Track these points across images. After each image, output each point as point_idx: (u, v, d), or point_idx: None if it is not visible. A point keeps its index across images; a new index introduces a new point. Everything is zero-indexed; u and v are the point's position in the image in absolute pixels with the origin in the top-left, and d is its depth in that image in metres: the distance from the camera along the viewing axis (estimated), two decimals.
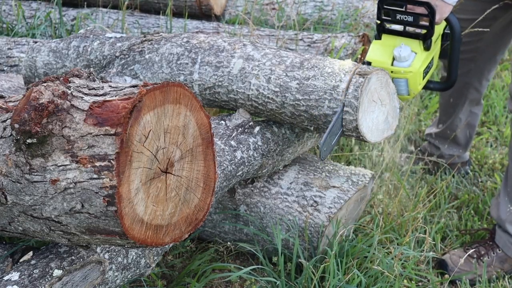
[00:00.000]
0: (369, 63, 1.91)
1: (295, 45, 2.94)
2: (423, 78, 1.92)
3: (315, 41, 2.99)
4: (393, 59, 1.88)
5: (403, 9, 1.84)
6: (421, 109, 3.18)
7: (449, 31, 1.94)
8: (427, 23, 1.84)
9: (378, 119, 1.81)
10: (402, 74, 1.87)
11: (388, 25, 1.91)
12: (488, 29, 2.21)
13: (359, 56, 2.88)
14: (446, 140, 2.65)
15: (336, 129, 1.79)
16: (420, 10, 1.82)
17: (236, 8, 3.59)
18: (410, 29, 1.88)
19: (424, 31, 1.86)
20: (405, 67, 1.87)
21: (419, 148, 2.80)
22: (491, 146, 3.01)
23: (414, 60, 1.87)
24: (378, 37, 1.94)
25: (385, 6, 1.86)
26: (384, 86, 1.81)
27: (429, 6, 1.78)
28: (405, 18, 1.85)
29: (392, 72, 1.87)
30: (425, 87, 1.99)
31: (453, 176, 2.65)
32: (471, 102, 2.53)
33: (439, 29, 1.91)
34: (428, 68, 1.93)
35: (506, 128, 3.11)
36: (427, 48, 1.88)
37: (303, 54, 1.87)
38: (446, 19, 1.88)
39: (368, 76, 1.73)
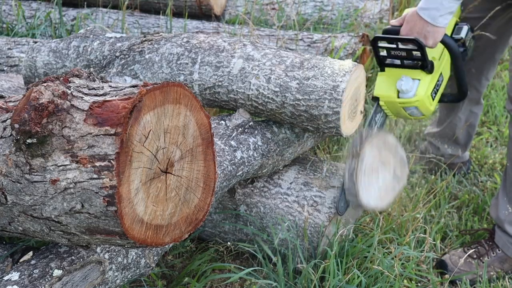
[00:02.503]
0: (377, 98, 1.99)
1: (295, 45, 2.94)
2: (434, 98, 2.00)
3: (315, 41, 2.99)
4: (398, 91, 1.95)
5: (395, 46, 1.93)
6: None
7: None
8: (419, 55, 1.92)
9: (385, 181, 1.86)
10: (409, 104, 1.96)
11: (387, 60, 1.99)
12: (495, 37, 2.24)
13: (359, 55, 2.88)
14: (446, 140, 2.65)
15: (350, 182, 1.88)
16: (411, 44, 1.90)
17: (236, 8, 3.59)
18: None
19: (420, 63, 1.94)
20: (410, 97, 1.95)
21: (419, 148, 2.79)
22: (491, 146, 3.01)
23: (418, 88, 1.95)
24: (382, 69, 2.02)
25: (378, 45, 1.96)
26: (383, 145, 1.86)
27: (416, 41, 1.86)
28: (399, 53, 1.95)
29: (400, 103, 1.95)
30: (440, 101, 2.07)
31: (453, 176, 2.65)
32: (470, 101, 2.53)
33: (439, 45, 1.97)
34: (437, 86, 1.99)
35: (506, 128, 3.11)
36: (430, 71, 1.93)
37: (303, 54, 1.87)
38: (442, 41, 1.93)
39: (360, 158, 1.80)
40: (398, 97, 1.95)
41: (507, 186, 2.16)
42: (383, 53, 1.98)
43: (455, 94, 2.11)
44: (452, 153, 2.64)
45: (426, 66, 1.93)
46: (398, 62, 1.98)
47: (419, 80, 1.95)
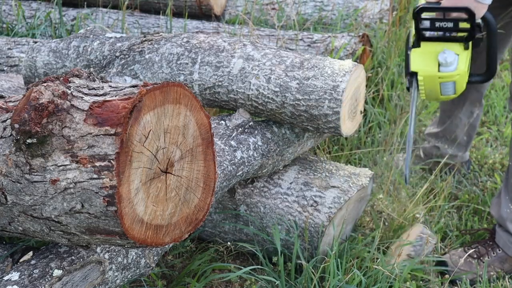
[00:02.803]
0: (414, 74, 1.94)
1: (295, 45, 2.94)
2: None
3: (315, 41, 2.99)
4: (439, 65, 1.91)
5: (442, 17, 1.87)
6: (421, 109, 3.18)
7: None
8: (466, 26, 1.86)
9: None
10: (450, 78, 1.91)
11: (427, 33, 1.93)
12: (504, 31, 2.23)
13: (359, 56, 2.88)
14: (446, 140, 2.65)
15: (410, 150, 1.87)
16: (457, 14, 1.85)
17: (236, 8, 3.59)
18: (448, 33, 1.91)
19: (464, 34, 1.88)
20: (452, 71, 1.90)
21: (419, 148, 2.80)
22: (491, 146, 3.01)
23: (458, 62, 1.90)
24: (417, 45, 1.96)
25: (423, 17, 1.89)
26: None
27: (469, 10, 1.81)
28: (445, 25, 1.88)
29: (439, 77, 1.91)
30: (467, 82, 2.01)
31: (453, 176, 2.65)
32: (471, 102, 2.53)
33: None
34: (469, 64, 1.95)
35: (506, 128, 3.11)
36: (467, 47, 1.90)
37: (303, 54, 1.87)
38: (483, 17, 1.90)
39: None
40: (439, 70, 1.91)
41: (509, 185, 2.16)
42: (425, 25, 1.92)
43: (482, 74, 2.05)
44: (452, 153, 2.65)
45: (473, 36, 1.88)
46: (439, 35, 1.93)
47: (458, 55, 1.92)
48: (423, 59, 1.94)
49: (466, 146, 2.67)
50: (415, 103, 2.01)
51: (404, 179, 1.92)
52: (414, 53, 1.95)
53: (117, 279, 1.49)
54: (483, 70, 2.05)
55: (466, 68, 1.91)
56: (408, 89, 2.04)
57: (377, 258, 1.94)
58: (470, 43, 1.96)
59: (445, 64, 1.89)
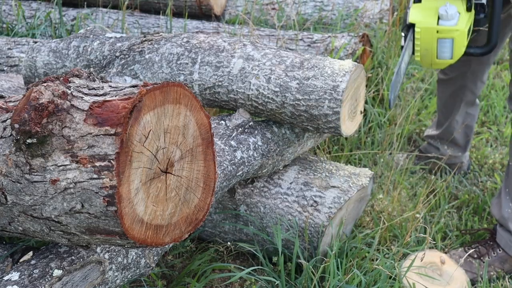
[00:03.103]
0: (412, 25, 1.88)
1: (295, 45, 2.94)
2: (466, 40, 1.90)
3: (315, 41, 2.99)
4: (438, 18, 1.85)
5: None
6: (421, 109, 3.18)
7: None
8: None
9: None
10: (448, 33, 1.85)
11: None
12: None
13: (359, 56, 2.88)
14: (445, 141, 2.66)
15: (398, 77, 1.80)
16: None
17: (236, 8, 3.59)
18: None
19: None
20: (452, 25, 1.83)
21: (419, 148, 2.80)
22: (491, 146, 3.01)
23: (459, 19, 1.84)
24: (418, 0, 1.90)
25: None
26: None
27: None
28: None
29: (437, 32, 1.84)
30: (465, 53, 1.95)
31: (453, 176, 2.65)
32: (466, 103, 2.56)
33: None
34: (469, 31, 1.90)
35: (506, 128, 3.11)
36: (469, 8, 1.85)
37: (303, 54, 1.87)
38: None
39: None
40: (438, 24, 1.85)
41: (510, 185, 2.17)
42: None
43: (482, 46, 1.99)
44: (452, 154, 2.65)
45: None
46: None
47: (459, 14, 1.86)
48: (423, 12, 1.87)
49: (465, 146, 2.68)
50: (408, 51, 1.92)
51: (389, 102, 1.83)
52: (414, 8, 1.90)
53: (117, 279, 1.49)
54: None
55: (466, 29, 1.85)
56: (402, 47, 1.96)
57: (377, 258, 1.94)
58: (472, 15, 1.91)
59: (445, 16, 1.83)
